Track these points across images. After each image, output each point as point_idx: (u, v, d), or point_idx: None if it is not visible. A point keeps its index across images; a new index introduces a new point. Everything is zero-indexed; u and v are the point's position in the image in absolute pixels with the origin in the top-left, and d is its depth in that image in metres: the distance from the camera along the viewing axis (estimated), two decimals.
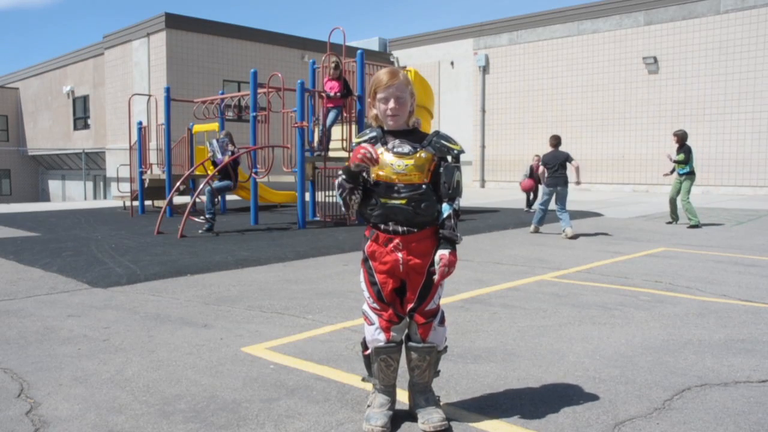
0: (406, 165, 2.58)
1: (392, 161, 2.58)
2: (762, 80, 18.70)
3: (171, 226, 10.19)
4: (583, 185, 22.17)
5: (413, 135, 2.66)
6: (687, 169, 10.94)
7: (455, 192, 2.63)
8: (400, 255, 2.61)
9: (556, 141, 9.96)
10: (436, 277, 2.60)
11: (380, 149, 2.61)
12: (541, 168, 10.13)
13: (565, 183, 9.73)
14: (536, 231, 9.87)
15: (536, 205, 9.97)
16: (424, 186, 2.60)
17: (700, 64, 19.72)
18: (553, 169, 9.73)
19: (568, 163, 9.72)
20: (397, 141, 2.63)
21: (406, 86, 2.61)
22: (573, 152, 22.34)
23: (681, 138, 10.98)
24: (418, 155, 2.60)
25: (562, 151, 9.84)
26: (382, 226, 2.62)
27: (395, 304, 2.67)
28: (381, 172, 2.58)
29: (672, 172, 11.28)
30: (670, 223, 11.28)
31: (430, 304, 2.67)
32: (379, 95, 2.61)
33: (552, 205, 9.93)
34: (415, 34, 27.60)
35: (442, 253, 2.59)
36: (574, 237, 9.36)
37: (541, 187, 9.99)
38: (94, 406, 2.92)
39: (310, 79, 11.91)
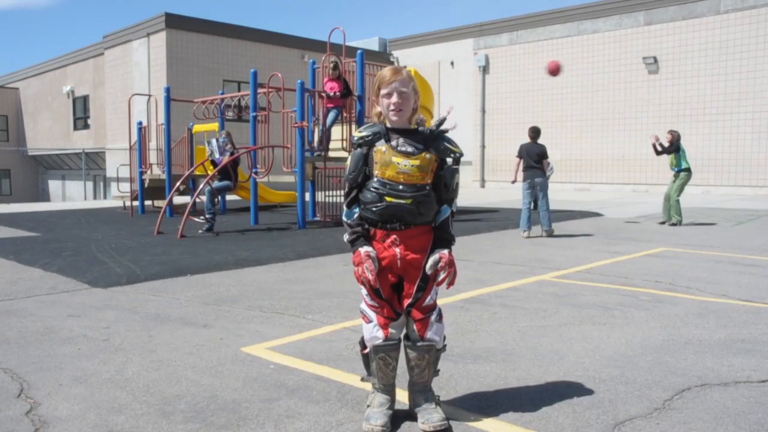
0: (412, 165, 2.59)
1: (398, 160, 2.59)
2: (762, 80, 18.70)
3: (171, 226, 10.19)
4: (582, 185, 22.17)
5: (416, 134, 2.67)
6: (682, 166, 11.05)
7: (454, 194, 2.66)
8: (397, 250, 2.61)
9: (534, 133, 9.60)
10: (440, 279, 2.59)
11: (383, 147, 2.61)
12: (516, 161, 9.71)
13: (543, 175, 9.44)
14: (528, 236, 9.35)
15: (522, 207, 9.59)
16: (427, 187, 2.61)
17: (700, 64, 19.72)
18: (528, 163, 9.46)
19: (544, 160, 9.44)
20: (401, 140, 2.63)
21: (409, 82, 2.63)
22: (573, 152, 22.48)
23: (675, 138, 11.10)
24: (422, 156, 2.61)
25: (539, 144, 9.54)
26: (380, 224, 2.62)
27: (393, 300, 2.68)
28: (386, 171, 2.59)
29: (659, 153, 11.25)
30: (663, 222, 11.16)
31: (428, 299, 2.67)
32: (383, 90, 2.63)
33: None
34: (415, 34, 27.61)
35: (442, 252, 2.60)
36: (527, 236, 9.24)
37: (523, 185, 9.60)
38: (94, 406, 2.92)
39: (310, 79, 11.91)
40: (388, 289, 2.66)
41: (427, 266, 2.61)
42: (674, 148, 11.10)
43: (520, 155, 9.65)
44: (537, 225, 9.78)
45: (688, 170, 11.12)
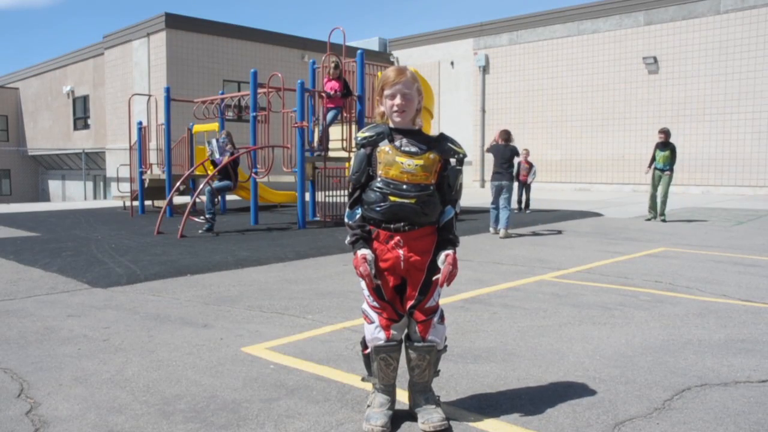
0: (416, 165, 2.59)
1: (402, 160, 2.58)
2: (762, 80, 18.70)
3: (171, 226, 10.19)
4: (582, 185, 22.17)
5: (419, 135, 2.67)
6: (670, 165, 11.49)
7: (457, 195, 2.67)
8: (401, 252, 2.61)
9: (506, 136, 9.84)
10: (439, 278, 2.60)
11: (387, 147, 2.61)
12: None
13: (510, 179, 9.66)
14: (497, 232, 9.48)
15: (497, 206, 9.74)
16: (431, 187, 2.61)
17: (700, 64, 19.72)
18: (499, 164, 9.68)
19: (515, 159, 9.74)
20: (404, 140, 2.63)
21: (413, 83, 2.62)
22: (573, 152, 22.46)
23: (668, 135, 11.52)
24: (426, 156, 2.61)
25: (510, 146, 9.79)
26: (384, 225, 2.62)
27: (395, 302, 2.67)
28: (390, 171, 2.58)
29: (651, 166, 11.78)
30: (649, 219, 11.58)
31: (430, 301, 2.67)
32: (387, 92, 2.62)
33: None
34: (415, 34, 27.61)
35: (447, 252, 2.60)
36: (507, 236, 9.28)
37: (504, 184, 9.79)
38: (94, 406, 2.92)
39: (310, 79, 11.91)
40: (390, 291, 2.66)
41: (440, 266, 2.62)
42: (671, 146, 11.47)
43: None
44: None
45: (672, 169, 11.61)
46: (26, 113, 33.24)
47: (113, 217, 13.01)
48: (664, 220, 11.42)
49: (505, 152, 9.71)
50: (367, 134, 2.65)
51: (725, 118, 19.38)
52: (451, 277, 2.59)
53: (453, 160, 2.67)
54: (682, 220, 11.83)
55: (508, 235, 9.31)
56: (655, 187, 11.60)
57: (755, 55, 18.81)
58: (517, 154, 9.91)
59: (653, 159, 11.71)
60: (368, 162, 2.63)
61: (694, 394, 3.02)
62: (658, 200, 11.52)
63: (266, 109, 11.06)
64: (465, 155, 2.71)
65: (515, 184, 10.75)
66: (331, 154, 11.22)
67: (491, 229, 9.67)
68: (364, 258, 2.58)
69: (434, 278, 2.63)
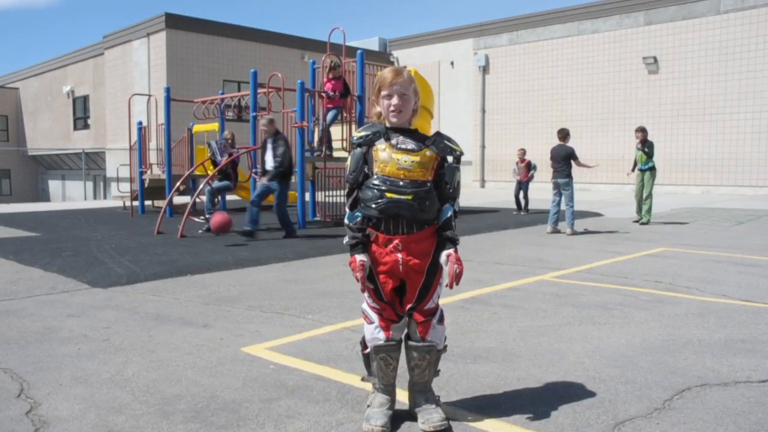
0: (413, 161, 2.59)
1: (398, 157, 2.59)
2: (762, 80, 18.70)
3: (171, 226, 10.18)
4: (582, 185, 22.16)
5: (415, 134, 2.67)
6: (650, 164, 11.44)
7: (455, 192, 2.66)
8: (399, 255, 2.61)
9: (561, 135, 9.99)
10: (446, 281, 2.61)
11: (383, 145, 2.62)
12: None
13: (564, 176, 9.79)
14: (551, 232, 9.76)
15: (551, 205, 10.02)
16: (428, 184, 2.61)
17: (700, 64, 19.72)
18: (554, 162, 9.86)
19: (572, 161, 9.82)
20: (401, 138, 2.64)
21: (409, 84, 2.63)
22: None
23: (646, 134, 11.49)
24: (423, 153, 2.61)
25: (565, 146, 9.88)
26: (383, 227, 2.62)
27: (394, 303, 2.67)
28: (387, 168, 2.59)
29: (633, 169, 11.79)
30: (637, 221, 11.41)
31: (429, 302, 2.67)
32: (383, 92, 2.63)
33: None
34: (415, 34, 27.61)
35: (449, 252, 2.60)
36: (573, 233, 9.54)
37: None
38: (94, 406, 2.92)
39: (310, 79, 11.90)
40: (389, 293, 2.66)
41: (443, 265, 2.63)
42: (648, 144, 11.46)
43: (551, 157, 10.01)
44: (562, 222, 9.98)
45: (655, 168, 11.57)
46: (26, 113, 33.24)
47: (113, 217, 13.01)
48: (643, 223, 11.12)
49: (559, 151, 9.87)
50: (363, 133, 2.66)
51: (725, 118, 19.37)
52: (458, 276, 2.57)
53: (450, 158, 2.68)
54: (681, 221, 11.84)
55: (575, 233, 9.54)
56: (638, 188, 11.49)
57: (755, 55, 18.80)
58: (572, 154, 9.83)
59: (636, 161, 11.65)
60: (364, 161, 2.64)
61: (694, 394, 3.02)
62: (641, 201, 11.39)
63: (266, 109, 11.05)
64: (462, 153, 2.72)
65: (513, 185, 10.94)
66: None
67: (548, 227, 9.82)
68: (362, 265, 2.59)
69: (445, 285, 2.64)
